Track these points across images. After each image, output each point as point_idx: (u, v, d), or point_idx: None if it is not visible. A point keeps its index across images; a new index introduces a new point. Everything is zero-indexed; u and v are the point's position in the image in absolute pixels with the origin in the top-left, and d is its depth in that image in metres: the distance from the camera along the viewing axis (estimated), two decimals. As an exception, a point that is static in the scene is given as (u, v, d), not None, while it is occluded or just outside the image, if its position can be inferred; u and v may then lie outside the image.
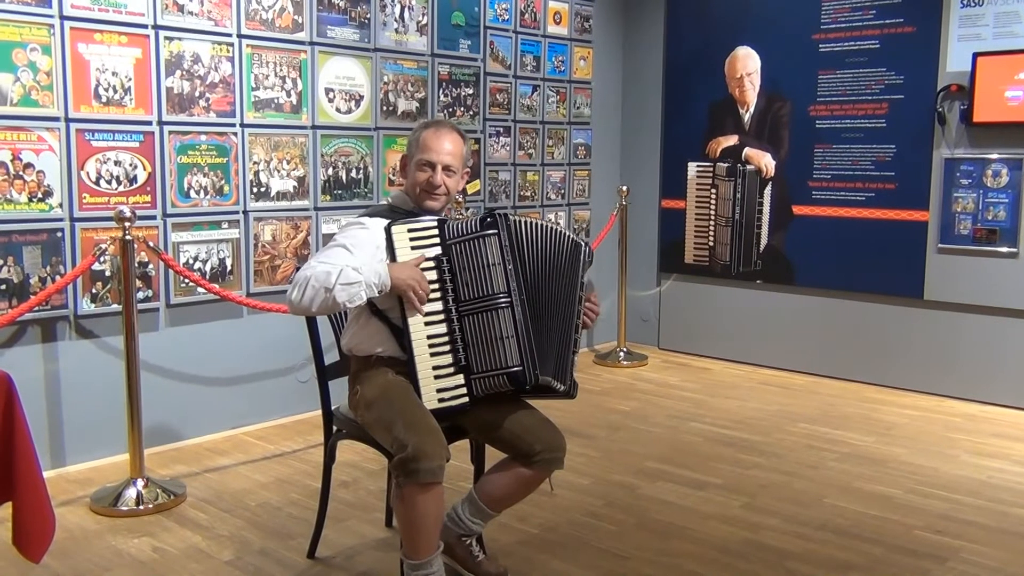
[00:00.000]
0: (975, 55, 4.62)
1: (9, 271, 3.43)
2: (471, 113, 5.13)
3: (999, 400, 4.76)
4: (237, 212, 4.11)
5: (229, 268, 4.10)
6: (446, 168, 2.60)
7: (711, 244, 5.82)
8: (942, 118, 4.81)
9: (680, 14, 5.84)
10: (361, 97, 4.54)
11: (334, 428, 2.79)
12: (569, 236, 2.61)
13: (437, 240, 2.52)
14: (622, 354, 5.73)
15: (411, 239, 2.51)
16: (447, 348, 2.47)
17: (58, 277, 3.52)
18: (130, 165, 3.74)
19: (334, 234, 2.66)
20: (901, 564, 2.91)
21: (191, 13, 3.86)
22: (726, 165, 5.69)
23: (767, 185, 5.53)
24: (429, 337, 2.47)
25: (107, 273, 3.69)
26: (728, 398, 4.92)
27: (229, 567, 2.84)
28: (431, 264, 2.50)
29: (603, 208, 6.03)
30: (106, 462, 3.73)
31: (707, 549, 3.00)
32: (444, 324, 2.47)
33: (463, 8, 5.01)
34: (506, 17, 5.28)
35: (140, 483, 3.34)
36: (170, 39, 3.81)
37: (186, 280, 3.87)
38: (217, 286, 3.89)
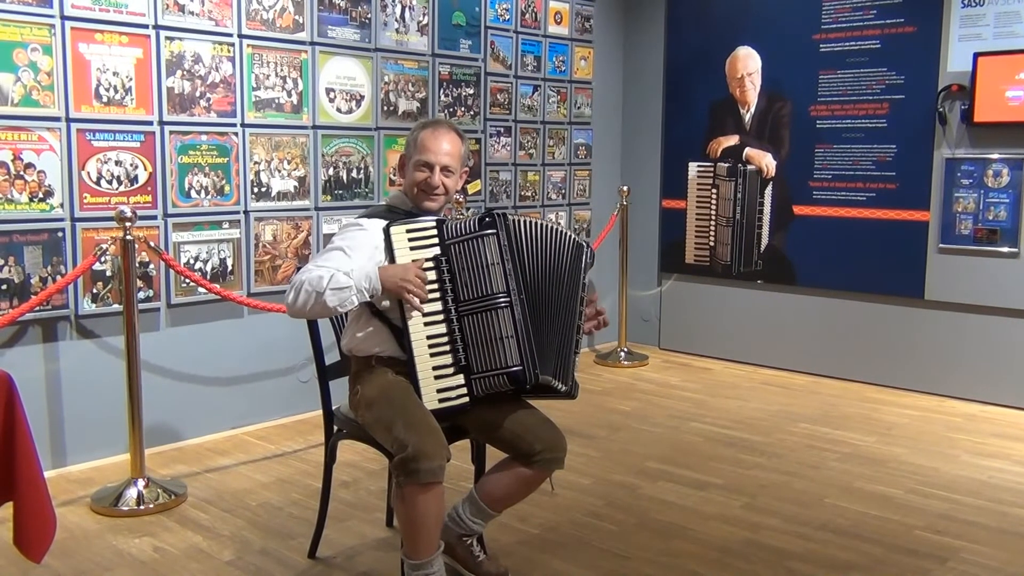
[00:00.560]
0: (976, 55, 4.61)
1: (10, 271, 3.44)
2: (472, 113, 5.13)
3: (1000, 400, 4.76)
4: (238, 212, 4.11)
5: (230, 268, 4.10)
6: (444, 168, 2.60)
7: (712, 244, 5.82)
8: (943, 118, 4.81)
9: (681, 14, 5.84)
10: (362, 97, 4.54)
11: (335, 428, 2.79)
12: (571, 236, 2.61)
13: (436, 240, 2.52)
14: (623, 354, 5.73)
15: (410, 239, 2.51)
16: (447, 348, 2.47)
17: (59, 277, 3.53)
18: (131, 165, 3.74)
19: (334, 235, 2.67)
20: (902, 564, 2.91)
21: (192, 13, 3.86)
22: (727, 165, 5.69)
23: (768, 185, 5.53)
24: (429, 337, 2.47)
25: (108, 273, 3.69)
26: (729, 398, 4.92)
27: (230, 567, 2.84)
28: (430, 264, 2.50)
29: (604, 208, 6.03)
30: (107, 462, 3.73)
31: (708, 549, 3.00)
32: (444, 324, 2.47)
33: (464, 8, 5.01)
34: (507, 17, 5.28)
35: (141, 483, 3.34)
36: (171, 39, 3.81)
37: (187, 280, 3.87)
38: (218, 286, 3.89)
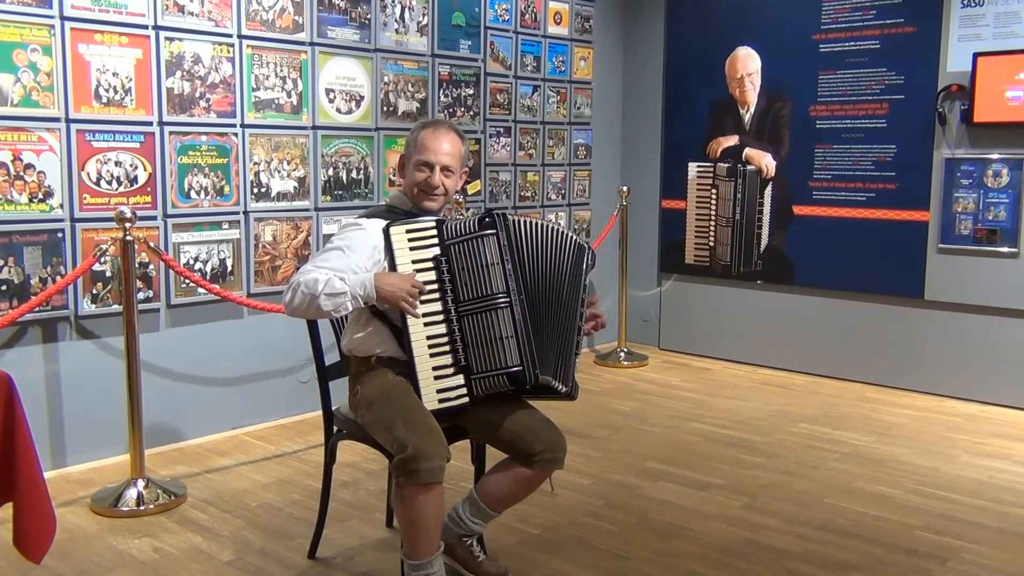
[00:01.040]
0: (975, 55, 4.62)
1: (10, 272, 3.44)
2: (471, 113, 5.13)
3: (999, 400, 4.76)
4: (238, 212, 4.11)
5: (230, 268, 4.10)
6: (444, 169, 2.60)
7: (711, 244, 5.82)
8: (943, 118, 4.81)
9: (680, 14, 5.84)
10: (361, 97, 4.54)
11: (334, 428, 2.79)
12: (572, 237, 2.60)
13: (436, 240, 2.52)
14: (623, 354, 5.73)
15: (410, 240, 2.51)
16: (447, 348, 2.47)
17: (59, 278, 3.53)
18: (131, 166, 3.74)
19: (333, 235, 2.67)
20: (901, 564, 2.91)
21: (191, 14, 3.86)
22: (726, 165, 5.69)
23: (767, 185, 5.53)
24: (429, 338, 2.47)
25: (108, 274, 3.69)
26: (729, 398, 4.92)
27: (230, 567, 2.84)
28: (430, 265, 2.50)
29: (604, 208, 6.03)
30: (107, 462, 3.73)
31: (708, 549, 3.00)
32: (444, 324, 2.47)
33: (463, 8, 5.01)
34: (506, 17, 5.28)
35: (141, 483, 3.34)
36: (170, 40, 3.81)
37: (187, 280, 3.87)
38: (218, 286, 3.89)
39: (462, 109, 5.07)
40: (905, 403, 4.84)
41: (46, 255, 3.53)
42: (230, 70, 4.02)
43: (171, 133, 3.85)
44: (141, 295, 3.74)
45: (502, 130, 5.35)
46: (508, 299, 2.47)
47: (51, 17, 3.47)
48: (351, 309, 2.44)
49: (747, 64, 5.54)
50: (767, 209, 5.54)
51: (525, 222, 2.56)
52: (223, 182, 4.04)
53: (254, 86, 4.11)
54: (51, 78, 3.48)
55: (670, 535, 3.11)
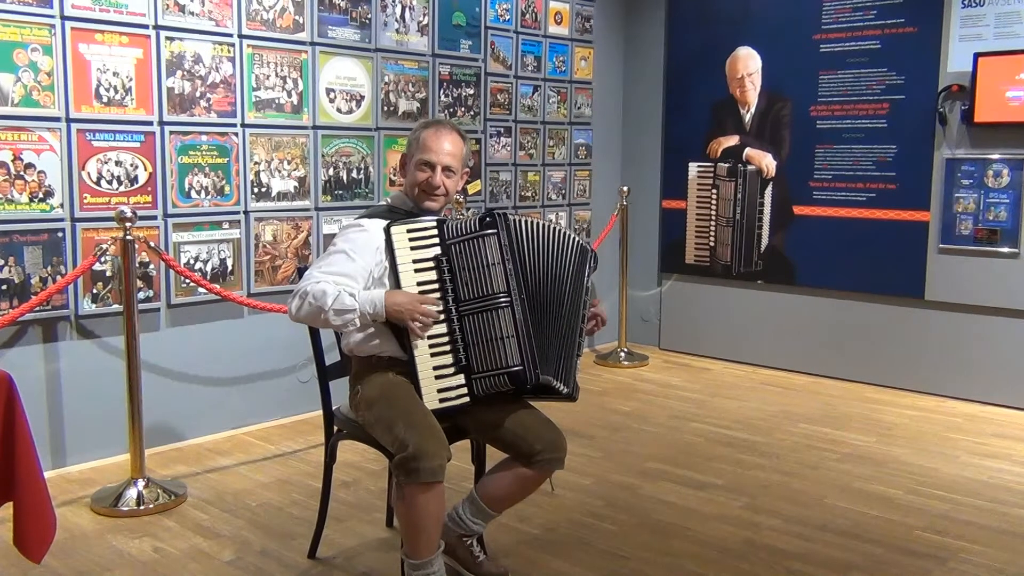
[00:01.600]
0: (976, 55, 4.62)
1: (10, 271, 3.44)
2: (472, 113, 5.13)
3: (1000, 400, 4.76)
4: (238, 212, 4.11)
5: (230, 268, 4.10)
6: (445, 169, 2.60)
7: (712, 244, 5.82)
8: (943, 118, 4.81)
9: (681, 14, 5.84)
10: (362, 97, 4.54)
11: (335, 428, 2.79)
12: (575, 239, 2.60)
13: (436, 240, 2.52)
14: (623, 354, 5.73)
15: (410, 239, 2.51)
16: (448, 348, 2.47)
17: (59, 277, 3.53)
18: (131, 165, 3.74)
19: (335, 235, 2.67)
20: (902, 564, 2.90)
21: (192, 13, 3.86)
22: (727, 165, 5.69)
23: (768, 185, 5.53)
24: (429, 337, 2.47)
25: (108, 273, 3.69)
26: (729, 398, 4.92)
27: (230, 567, 2.84)
28: (431, 264, 2.50)
29: (604, 208, 6.03)
30: (107, 462, 3.73)
31: (708, 549, 3.00)
32: (444, 324, 2.47)
33: (464, 8, 5.01)
34: (507, 17, 5.28)
35: (141, 483, 3.34)
36: (171, 39, 3.81)
37: (187, 280, 3.87)
38: (218, 286, 3.89)
39: (462, 109, 5.07)
40: (905, 403, 4.84)
41: (46, 255, 3.53)
42: (230, 70, 4.02)
43: (171, 133, 3.85)
44: (141, 295, 3.74)
45: (502, 130, 5.35)
46: (509, 299, 2.47)
47: (51, 17, 3.47)
48: (358, 326, 2.46)
49: (748, 64, 5.54)
50: (767, 209, 5.54)
51: (526, 222, 2.56)
52: (223, 182, 4.04)
53: (254, 86, 4.11)
54: (51, 78, 3.48)
55: (670, 535, 3.11)
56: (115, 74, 3.65)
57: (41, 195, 3.49)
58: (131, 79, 3.71)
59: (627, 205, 5.74)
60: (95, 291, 3.67)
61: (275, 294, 4.20)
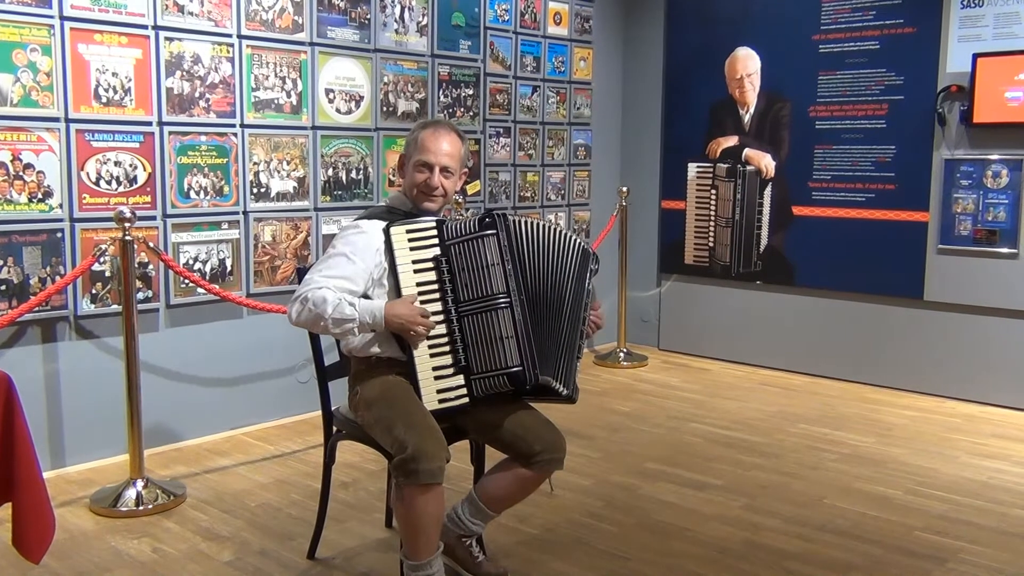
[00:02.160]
0: (975, 56, 4.62)
1: (9, 272, 3.43)
2: (471, 114, 5.13)
3: (999, 401, 4.76)
4: (237, 213, 4.11)
5: (229, 269, 4.10)
6: (444, 169, 2.59)
7: (711, 245, 5.82)
8: (942, 119, 4.82)
9: (680, 15, 5.84)
10: (361, 98, 4.54)
11: (334, 429, 2.79)
12: (576, 240, 2.60)
13: (436, 241, 2.52)
14: (622, 355, 5.73)
15: (410, 240, 2.51)
16: (447, 349, 2.47)
17: (58, 278, 3.52)
18: (130, 166, 3.74)
19: (334, 235, 2.66)
20: (901, 565, 2.91)
21: (191, 14, 3.86)
22: (726, 166, 5.69)
23: (767, 186, 5.53)
24: (429, 338, 2.47)
25: (107, 274, 3.69)
26: (728, 399, 4.92)
27: (229, 568, 2.84)
28: (430, 265, 2.50)
29: (603, 209, 6.03)
30: (106, 463, 3.73)
31: (707, 550, 3.00)
32: (444, 325, 2.47)
33: (463, 9, 5.01)
34: (506, 18, 5.28)
35: (140, 484, 3.34)
36: (170, 40, 3.81)
37: (186, 281, 3.87)
38: (217, 287, 3.89)
39: (462, 109, 5.07)
40: (904, 404, 4.84)
41: (45, 255, 3.52)
42: (230, 70, 4.02)
43: (171, 133, 3.85)
44: (140, 295, 3.74)
45: (502, 130, 5.35)
46: (508, 299, 2.47)
47: (51, 17, 3.46)
48: (357, 335, 2.46)
49: (747, 65, 5.54)
50: (767, 209, 5.54)
51: (526, 222, 2.56)
52: (223, 182, 4.04)
53: (254, 86, 4.10)
54: (51, 78, 3.48)
55: (669, 535, 3.11)
56: (114, 74, 3.65)
57: (40, 195, 3.49)
58: (130, 79, 3.70)
59: (626, 205, 5.74)
60: (94, 291, 3.67)
61: (274, 294, 4.19)
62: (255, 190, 4.15)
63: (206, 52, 3.93)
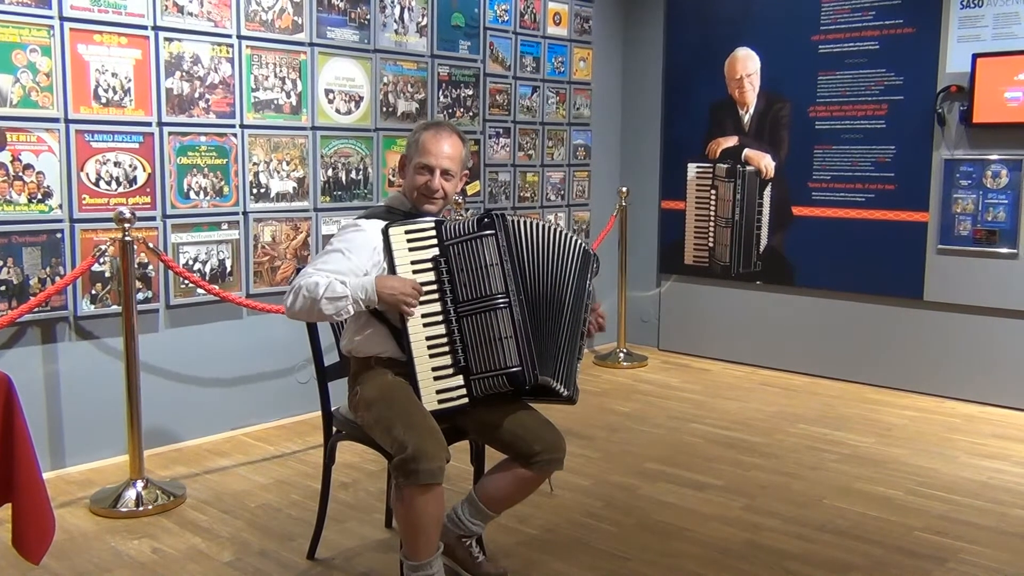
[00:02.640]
0: (975, 56, 4.62)
1: (9, 272, 3.43)
2: (471, 114, 5.13)
3: (999, 401, 4.76)
4: (237, 213, 4.11)
5: (229, 269, 4.10)
6: (444, 172, 2.59)
7: (711, 245, 5.82)
8: (942, 119, 4.82)
9: (680, 15, 5.84)
10: (361, 98, 4.54)
11: (334, 429, 2.79)
12: (576, 241, 2.59)
13: (435, 241, 2.52)
14: (622, 355, 5.73)
15: (409, 240, 2.51)
16: (446, 349, 2.47)
17: (58, 278, 3.52)
18: (130, 166, 3.74)
19: (333, 235, 2.67)
20: (901, 565, 2.90)
21: (191, 14, 3.86)
22: (726, 166, 5.69)
23: (767, 186, 5.53)
24: (428, 338, 2.46)
25: (107, 274, 3.69)
26: (728, 399, 4.92)
27: (229, 568, 2.83)
28: (429, 265, 2.50)
29: (603, 209, 6.03)
30: (106, 463, 3.73)
31: (707, 550, 3.00)
32: (443, 325, 2.47)
33: (463, 9, 5.01)
34: (506, 18, 5.28)
35: (140, 484, 3.34)
36: (170, 40, 3.81)
37: (186, 281, 3.87)
38: (217, 287, 3.89)
39: (461, 110, 5.07)
40: (905, 404, 4.84)
41: (45, 256, 3.52)
42: (229, 71, 4.02)
43: (170, 134, 3.85)
44: (140, 296, 3.74)
45: (501, 131, 5.35)
46: (507, 299, 2.46)
47: (50, 17, 3.46)
48: (352, 313, 2.44)
49: (746, 65, 5.54)
50: (766, 210, 5.54)
51: (525, 222, 2.56)
52: (222, 183, 4.04)
53: (253, 87, 4.10)
54: (50, 78, 3.48)
55: (669, 536, 3.11)
56: (114, 75, 3.65)
57: (40, 196, 3.49)
58: (130, 80, 3.70)
59: (626, 206, 5.74)
60: (94, 292, 3.67)
61: (274, 295, 4.19)
62: (255, 190, 4.15)
63: (206, 53, 3.93)
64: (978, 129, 4.68)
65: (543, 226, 2.57)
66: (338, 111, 4.45)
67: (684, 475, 3.70)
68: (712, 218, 5.80)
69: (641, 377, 5.43)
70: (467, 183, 4.65)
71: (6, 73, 3.37)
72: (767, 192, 5.53)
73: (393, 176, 4.67)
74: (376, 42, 4.57)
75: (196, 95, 3.92)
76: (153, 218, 3.83)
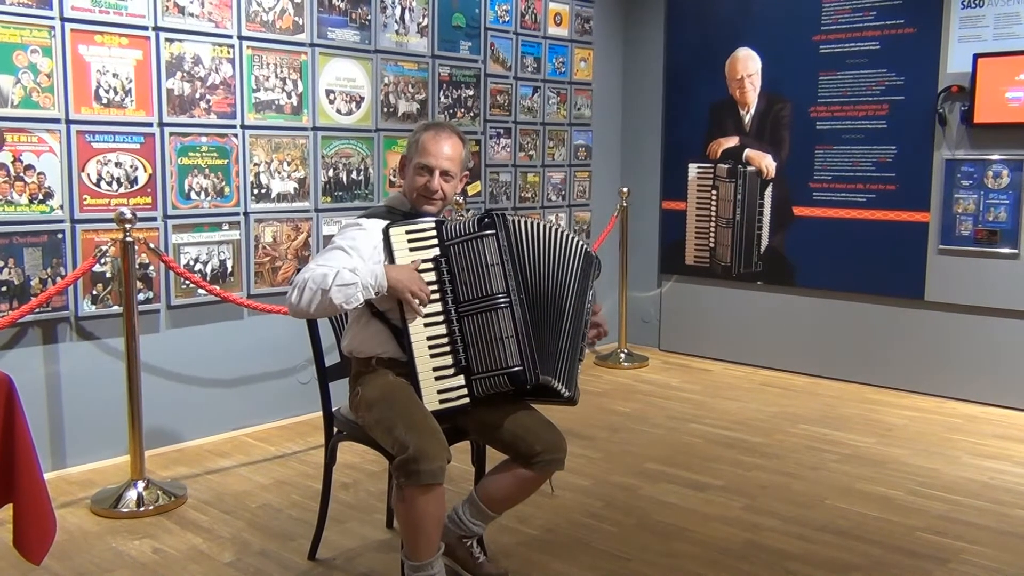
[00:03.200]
0: (976, 56, 4.62)
1: (10, 273, 3.44)
2: (472, 115, 5.13)
3: (999, 401, 4.76)
4: (238, 214, 4.11)
5: (230, 270, 4.10)
6: (444, 173, 2.59)
7: (712, 245, 5.82)
8: (943, 119, 4.81)
9: (680, 15, 5.84)
10: (362, 98, 4.54)
11: (335, 429, 2.79)
12: (578, 243, 2.59)
13: (435, 241, 2.52)
14: (623, 355, 5.73)
15: (409, 241, 2.51)
16: (447, 349, 2.47)
17: (59, 279, 3.53)
18: (131, 167, 3.74)
19: (333, 235, 2.67)
20: (902, 565, 2.90)
21: (191, 15, 3.86)
22: (727, 166, 5.69)
23: (768, 186, 5.53)
24: (429, 338, 2.47)
25: (108, 275, 3.69)
26: (729, 399, 4.92)
27: (230, 568, 2.84)
28: (430, 265, 2.50)
29: (604, 209, 6.03)
30: (107, 464, 3.73)
31: (708, 550, 3.00)
32: (444, 325, 2.47)
33: (463, 9, 5.01)
34: (506, 18, 5.28)
35: (141, 485, 3.34)
36: (171, 41, 3.81)
37: (187, 282, 3.87)
38: (218, 288, 3.89)
39: (462, 110, 5.07)
40: (905, 404, 4.84)
41: (46, 256, 3.53)
42: (230, 71, 4.02)
43: (171, 134, 3.85)
44: (141, 296, 3.74)
45: (502, 131, 5.35)
46: (508, 299, 2.47)
47: (51, 18, 3.47)
48: (362, 300, 2.41)
49: (747, 65, 5.54)
50: (767, 210, 5.54)
51: (525, 222, 2.56)
52: (223, 183, 4.04)
53: (254, 87, 4.11)
54: (51, 79, 3.48)
55: (670, 536, 3.11)
56: (115, 75, 3.66)
57: (41, 197, 3.50)
58: (131, 80, 3.71)
59: (627, 206, 5.74)
60: (95, 292, 3.67)
61: (275, 295, 4.19)
62: (256, 191, 4.15)
63: (206, 53, 3.93)
64: (979, 129, 4.68)
65: (544, 226, 2.57)
66: (339, 111, 4.45)
67: (685, 475, 3.70)
68: (713, 218, 5.80)
69: (642, 377, 5.43)
70: (468, 184, 4.67)
71: (7, 74, 3.38)
72: (768, 192, 5.53)
73: (394, 177, 4.67)
74: (377, 42, 4.57)
75: (197, 96, 3.92)
76: (154, 218, 3.83)
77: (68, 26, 3.51)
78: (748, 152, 5.59)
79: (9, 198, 3.41)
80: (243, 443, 4.09)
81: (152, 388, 3.76)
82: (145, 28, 3.73)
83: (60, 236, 3.56)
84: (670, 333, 6.08)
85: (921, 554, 2.99)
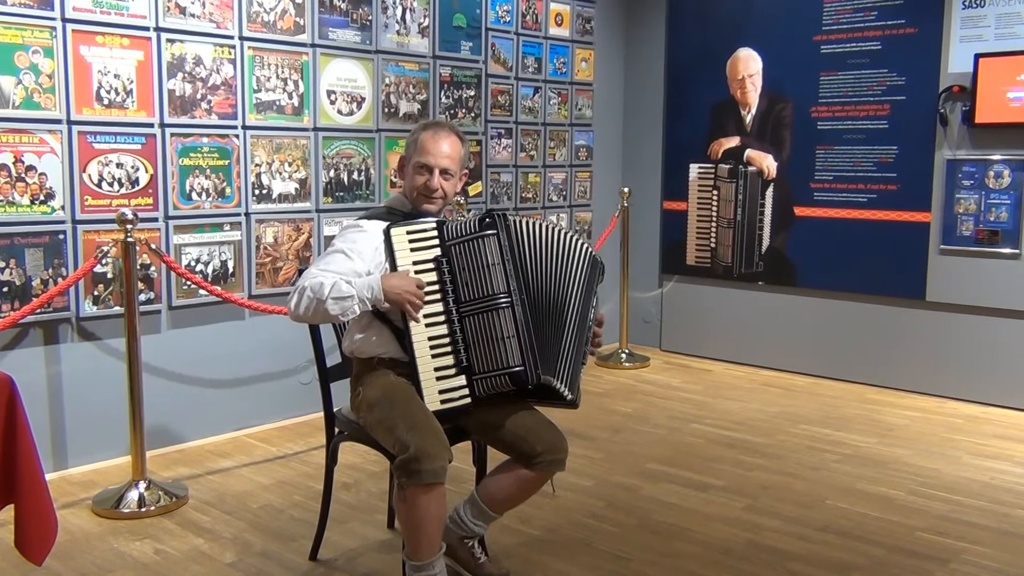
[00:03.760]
0: (977, 56, 4.62)
1: (11, 273, 3.44)
2: (472, 115, 5.13)
3: (1001, 401, 4.76)
4: (239, 214, 4.11)
5: (231, 270, 4.11)
6: (443, 172, 2.59)
7: (713, 245, 5.81)
8: (944, 119, 4.81)
9: (682, 15, 5.84)
10: (363, 99, 4.54)
11: (336, 430, 2.79)
12: (582, 245, 2.59)
13: (436, 241, 2.52)
14: (624, 355, 5.73)
15: (410, 241, 2.51)
16: (448, 349, 2.47)
17: (60, 279, 3.53)
18: (132, 167, 3.75)
19: (334, 236, 2.67)
20: (903, 565, 2.90)
21: (193, 15, 3.86)
22: (728, 166, 5.69)
23: (769, 186, 5.53)
24: (430, 339, 2.47)
25: (109, 275, 3.69)
26: (730, 399, 4.92)
27: (231, 569, 2.84)
28: (431, 266, 2.50)
29: (605, 209, 6.03)
30: (108, 464, 3.73)
31: (709, 551, 3.00)
32: (445, 325, 2.47)
33: (464, 10, 5.01)
34: (507, 19, 5.28)
35: (142, 485, 3.35)
36: (172, 41, 3.82)
37: (188, 282, 3.87)
38: (219, 288, 3.89)
39: (463, 110, 5.07)
40: (906, 404, 4.84)
41: (47, 257, 3.53)
42: (231, 72, 4.02)
43: (172, 135, 3.85)
44: (142, 297, 3.75)
45: (503, 131, 5.35)
46: (509, 299, 2.47)
47: (52, 19, 3.47)
48: (358, 313, 2.44)
49: (748, 65, 5.54)
50: (768, 210, 5.54)
51: (526, 222, 2.56)
52: (224, 184, 4.05)
53: (255, 88, 4.11)
54: (52, 80, 3.49)
55: (671, 536, 3.11)
56: (116, 76, 3.66)
57: (42, 197, 3.50)
58: (132, 81, 3.71)
59: (628, 206, 5.74)
60: (96, 293, 3.67)
61: (276, 296, 4.19)
62: (257, 192, 4.16)
63: (208, 54, 3.94)
64: (980, 129, 4.68)
65: (545, 226, 2.57)
66: (340, 112, 4.45)
67: (686, 476, 3.70)
68: (714, 218, 5.80)
69: (643, 377, 5.43)
70: (468, 184, 4.67)
71: (9, 75, 3.38)
72: (769, 192, 5.53)
73: (395, 177, 4.67)
74: (378, 43, 4.57)
75: (198, 96, 3.92)
76: (155, 219, 3.84)
77: (69, 27, 3.51)
78: (749, 152, 5.59)
79: (11, 199, 3.41)
80: (244, 443, 4.09)
81: (153, 389, 3.77)
82: (146, 29, 3.74)
83: (61, 237, 3.56)
84: (671, 333, 6.08)
85: (922, 554, 2.99)
